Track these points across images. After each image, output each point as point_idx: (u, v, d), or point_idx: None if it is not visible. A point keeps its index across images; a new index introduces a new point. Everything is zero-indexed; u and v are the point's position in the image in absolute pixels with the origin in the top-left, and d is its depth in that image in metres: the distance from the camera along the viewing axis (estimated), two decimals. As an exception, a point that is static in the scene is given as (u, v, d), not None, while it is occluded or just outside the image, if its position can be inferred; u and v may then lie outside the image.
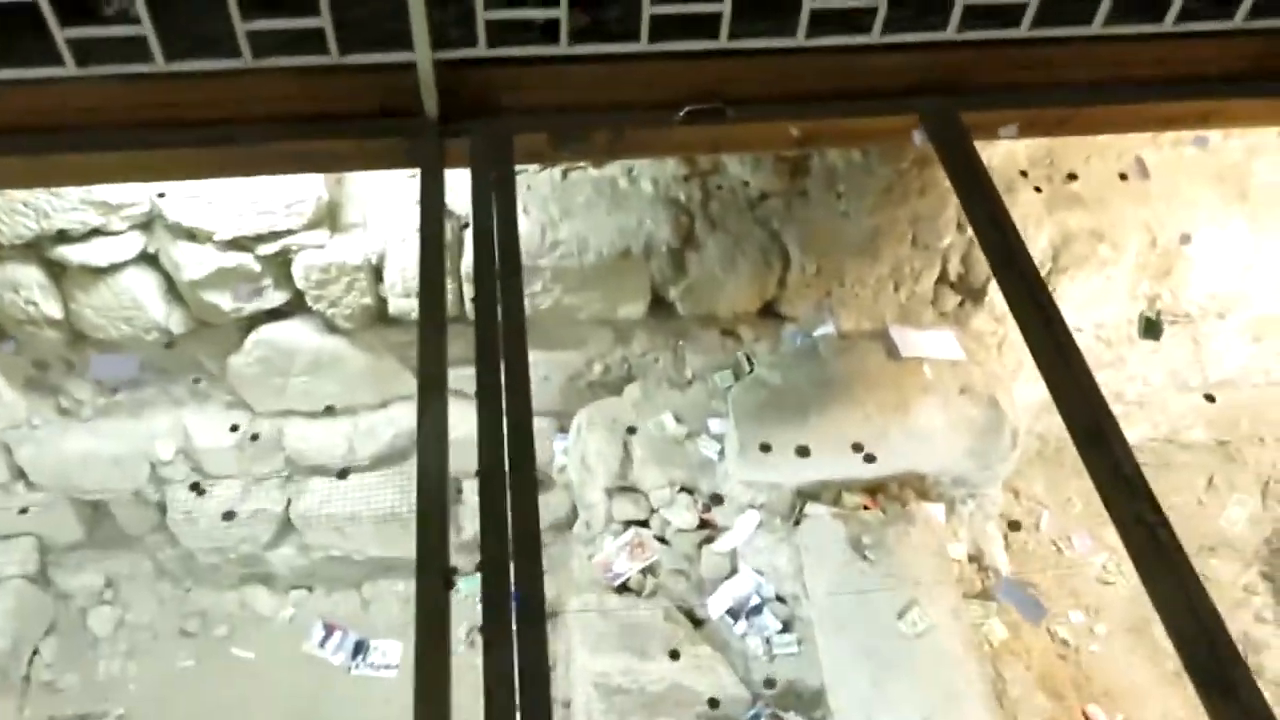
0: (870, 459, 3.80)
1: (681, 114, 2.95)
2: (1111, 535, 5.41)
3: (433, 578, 2.22)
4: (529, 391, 2.54)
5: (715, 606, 4.05)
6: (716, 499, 4.11)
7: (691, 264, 4.44)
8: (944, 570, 3.72)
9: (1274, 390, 5.30)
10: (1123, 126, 3.47)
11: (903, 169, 4.48)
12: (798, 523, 4.04)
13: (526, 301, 4.48)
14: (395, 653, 5.22)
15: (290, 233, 4.14)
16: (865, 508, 4.14)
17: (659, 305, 4.64)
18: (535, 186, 4.39)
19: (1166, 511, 5.79)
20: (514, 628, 2.18)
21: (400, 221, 4.29)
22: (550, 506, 5.34)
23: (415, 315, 4.49)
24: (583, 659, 3.72)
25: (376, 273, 4.35)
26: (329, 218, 4.21)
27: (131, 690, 5.14)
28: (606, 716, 3.60)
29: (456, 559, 5.69)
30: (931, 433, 4.00)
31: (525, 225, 4.29)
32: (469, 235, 4.34)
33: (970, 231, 4.54)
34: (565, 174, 4.41)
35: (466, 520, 5.28)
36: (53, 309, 4.29)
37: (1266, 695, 4.93)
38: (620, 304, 4.53)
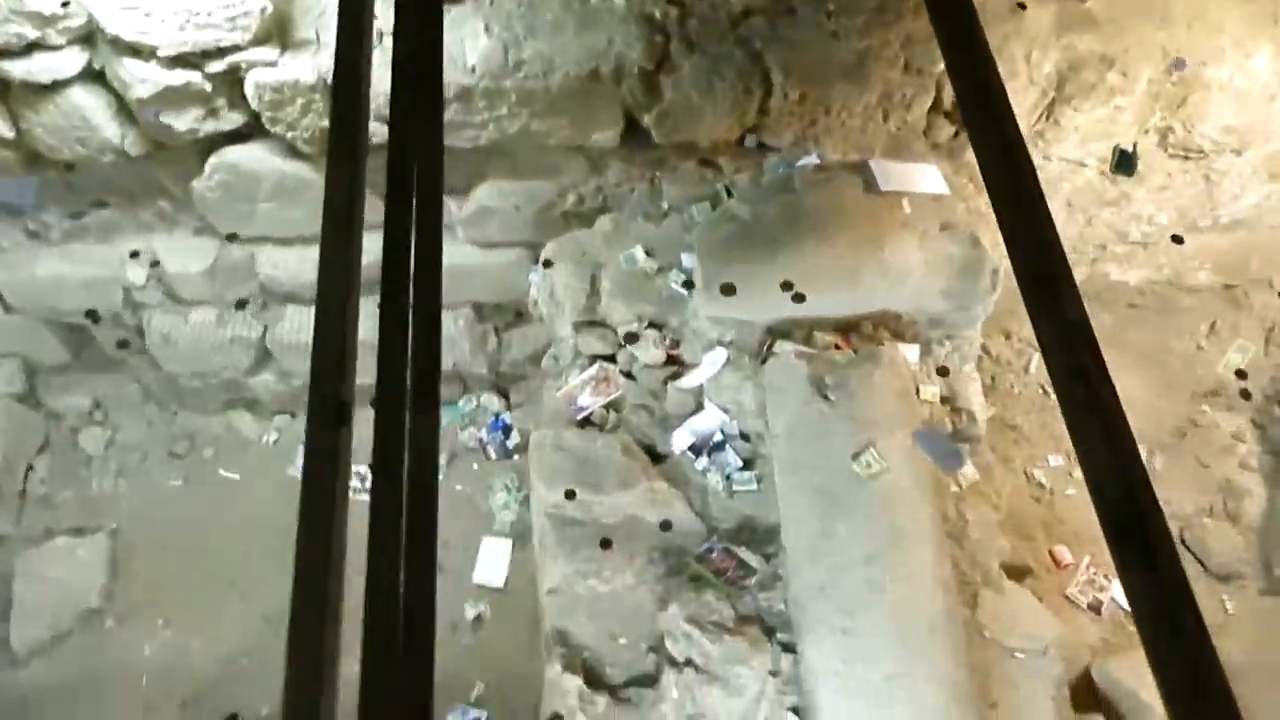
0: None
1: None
2: (1101, 379, 5.32)
3: (325, 414, 2.15)
4: (440, 225, 2.41)
5: (678, 442, 4.03)
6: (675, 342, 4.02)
7: (666, 88, 4.18)
8: (906, 412, 3.64)
9: (1289, 232, 5.04)
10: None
11: (898, -16, 4.13)
12: (764, 361, 3.95)
13: (493, 126, 4.29)
14: (376, 478, 5.31)
15: (237, 48, 3.91)
16: (837, 346, 4.04)
17: (634, 132, 4.40)
18: (498, 1, 4.09)
19: (1165, 356, 5.63)
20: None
21: (355, 37, 4.03)
22: (529, 339, 5.30)
23: (378, 140, 4.34)
24: (540, 491, 3.74)
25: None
26: (278, 32, 3.96)
27: (123, 507, 5.31)
28: (558, 547, 3.64)
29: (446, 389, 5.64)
30: (907, 270, 3.84)
31: (487, 44, 4.03)
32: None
33: (968, 55, 4.21)
34: (532, -14, 4.10)
35: (447, 351, 5.25)
36: (3, 128, 4.15)
37: (1240, 540, 4.89)
38: (592, 130, 4.31)
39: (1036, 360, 5.25)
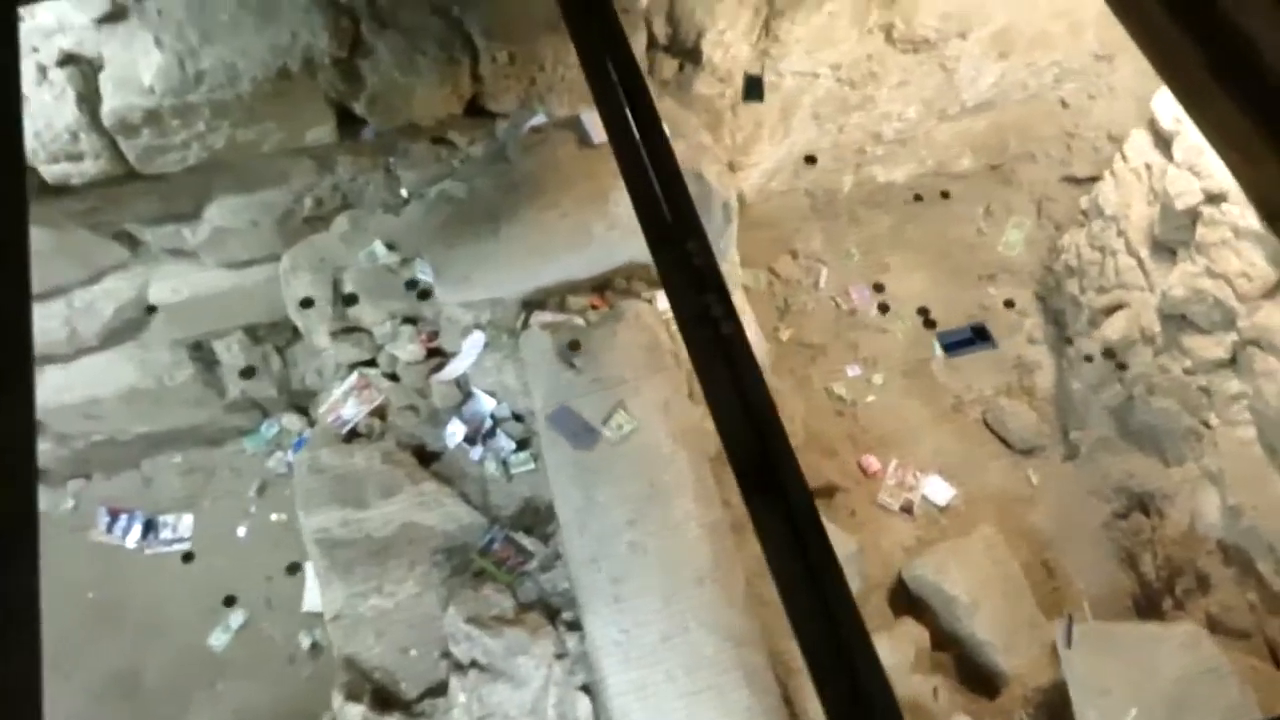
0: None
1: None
2: (890, 282, 5.36)
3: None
4: (26, 283, 2.22)
5: (451, 436, 3.91)
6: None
7: (366, 72, 3.97)
8: (655, 363, 3.59)
9: (1036, 104, 5.10)
10: None
11: (585, -76, 3.97)
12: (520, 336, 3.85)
13: (197, 144, 4.04)
14: (186, 526, 5.12)
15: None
16: (593, 306, 3.96)
17: (353, 123, 4.19)
18: (167, 10, 3.81)
19: (948, 246, 5.67)
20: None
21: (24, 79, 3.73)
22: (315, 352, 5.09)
23: (79, 180, 4.05)
24: (301, 519, 3.60)
25: (9, 141, 3.83)
26: (-78, 88, 3.64)
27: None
28: (331, 572, 3.52)
29: (228, 419, 5.32)
30: (635, 221, 3.74)
31: (160, 60, 3.76)
32: (103, 79, 3.83)
33: (670, -14, 4.11)
34: (201, -11, 3.84)
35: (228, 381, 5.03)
36: None
37: (1035, 414, 4.96)
38: (304, 129, 4.08)
39: (825, 274, 5.26)
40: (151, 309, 4.69)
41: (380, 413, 3.97)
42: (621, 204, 3.74)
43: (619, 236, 3.74)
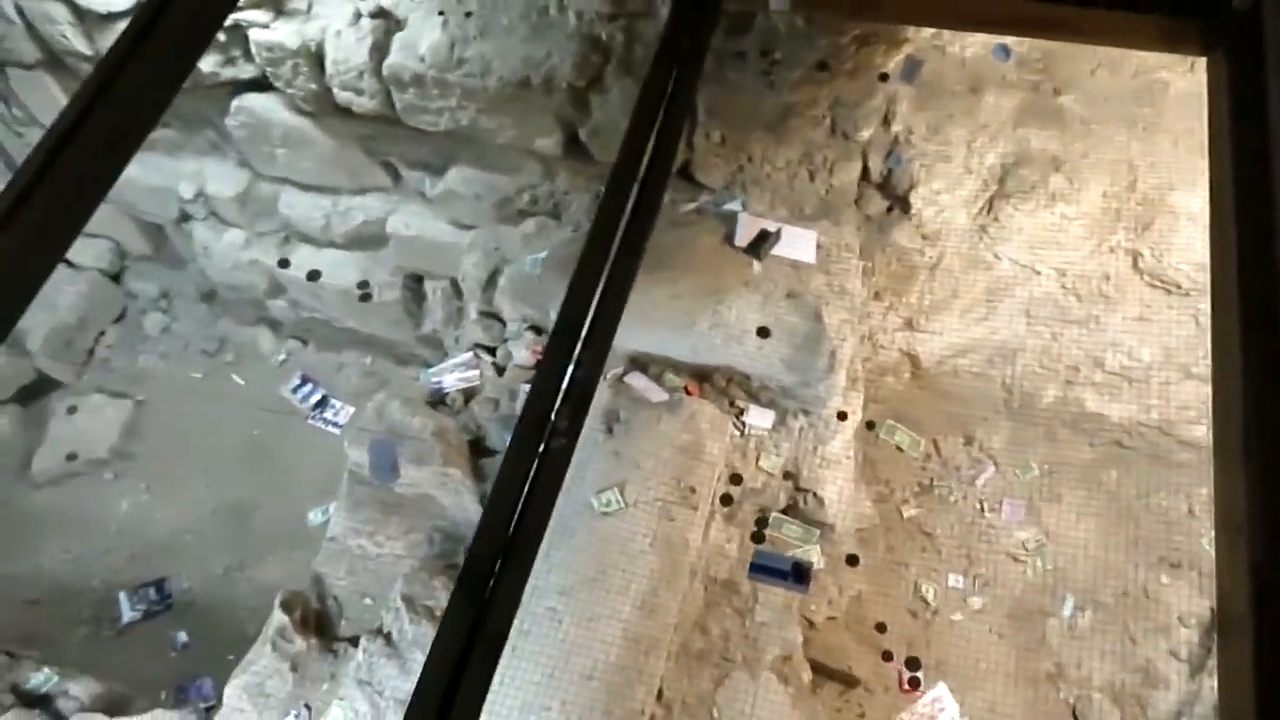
0: None
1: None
2: (1050, 517, 4.78)
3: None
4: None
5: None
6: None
7: (595, 106, 4.29)
8: (680, 465, 3.57)
9: (1310, 405, 4.24)
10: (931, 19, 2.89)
11: (841, 44, 3.98)
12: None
13: (448, 115, 4.59)
14: (346, 415, 5.82)
15: (238, 6, 4.47)
16: (687, 390, 4.00)
17: (577, 145, 4.54)
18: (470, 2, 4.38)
19: (1144, 511, 5.00)
20: None
21: (337, 12, 4.48)
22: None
23: (359, 110, 4.75)
24: (345, 450, 4.02)
25: (319, 60, 4.61)
26: (272, -1, 4.50)
27: (152, 384, 6.16)
28: (346, 499, 3.91)
29: (418, 347, 5.94)
30: (741, 332, 3.74)
31: (438, 35, 4.33)
32: (396, 38, 4.48)
33: (896, 128, 4.00)
34: (502, -11, 4.36)
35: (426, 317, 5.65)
36: (82, 45, 5.00)
37: (1133, 732, 4.25)
38: (535, 135, 4.50)
39: (989, 474, 4.79)
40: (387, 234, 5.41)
41: (470, 395, 4.30)
42: (734, 309, 3.75)
43: (720, 338, 3.75)
